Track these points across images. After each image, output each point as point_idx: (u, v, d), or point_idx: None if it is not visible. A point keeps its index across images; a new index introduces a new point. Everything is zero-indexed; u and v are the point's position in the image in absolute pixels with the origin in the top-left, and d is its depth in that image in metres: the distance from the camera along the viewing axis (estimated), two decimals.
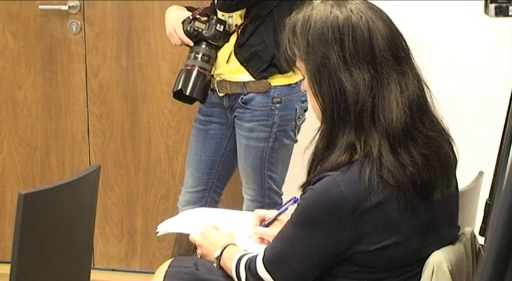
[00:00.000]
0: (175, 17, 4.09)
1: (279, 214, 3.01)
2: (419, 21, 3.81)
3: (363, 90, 2.58)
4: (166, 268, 3.00)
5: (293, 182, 3.76)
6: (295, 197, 2.85)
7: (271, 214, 3.08)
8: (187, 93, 4.00)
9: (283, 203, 3.10)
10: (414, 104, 2.63)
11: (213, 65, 4.04)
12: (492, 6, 1.77)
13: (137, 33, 4.86)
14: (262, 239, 2.96)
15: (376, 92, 2.60)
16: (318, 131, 2.74)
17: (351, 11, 2.65)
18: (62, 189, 3.42)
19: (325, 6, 2.67)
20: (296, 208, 2.71)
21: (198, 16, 4.04)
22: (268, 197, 4.04)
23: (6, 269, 3.22)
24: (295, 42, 2.68)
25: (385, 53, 2.62)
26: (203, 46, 4.01)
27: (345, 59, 2.61)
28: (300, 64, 2.70)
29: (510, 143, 2.68)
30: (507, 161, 2.71)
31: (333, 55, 2.61)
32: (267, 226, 3.02)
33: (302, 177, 2.81)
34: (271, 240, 2.81)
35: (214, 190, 4.22)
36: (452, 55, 4.11)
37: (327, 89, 2.63)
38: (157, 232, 3.20)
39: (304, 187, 2.71)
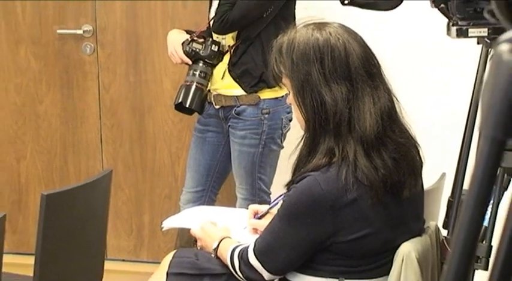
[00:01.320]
0: (176, 39, 4.09)
1: (270, 208, 3.01)
2: (389, 39, 3.80)
3: (340, 103, 2.59)
4: (171, 258, 3.00)
5: (280, 182, 3.76)
6: (284, 194, 2.85)
7: (263, 208, 3.08)
8: (187, 106, 4.00)
9: (274, 199, 3.10)
10: (385, 114, 2.64)
11: (209, 81, 4.03)
12: (454, 28, 1.76)
13: (143, 54, 4.85)
14: (255, 230, 2.95)
15: (352, 104, 2.60)
16: (302, 138, 2.74)
17: (330, 33, 2.65)
18: (79, 190, 3.42)
19: (307, 30, 2.68)
20: (282, 204, 2.73)
21: (195, 38, 4.04)
22: (259, 196, 4.03)
23: (30, 260, 3.21)
24: (282, 61, 2.68)
25: (359, 70, 2.63)
26: (200, 64, 4.01)
27: (324, 76, 2.61)
28: (285, 80, 2.70)
29: (469, 148, 2.68)
30: (466, 164, 2.71)
31: (314, 72, 2.62)
32: (260, 218, 3.01)
33: (287, 178, 2.82)
34: (257, 229, 2.84)
35: (211, 190, 4.22)
36: (419, 70, 4.12)
37: (309, 102, 2.63)
38: (162, 227, 3.21)
39: (289, 185, 2.73)
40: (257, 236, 2.82)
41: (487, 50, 2.31)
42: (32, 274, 3.21)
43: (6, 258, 3.02)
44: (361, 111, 2.61)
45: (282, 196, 2.86)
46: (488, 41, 1.91)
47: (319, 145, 2.65)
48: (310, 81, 2.63)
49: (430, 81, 4.11)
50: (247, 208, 3.22)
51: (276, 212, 2.82)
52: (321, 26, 2.70)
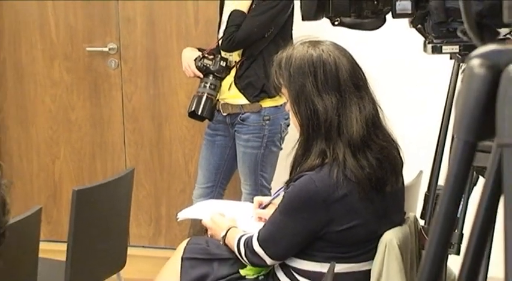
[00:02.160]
0: (189, 56, 4.09)
1: (272, 199, 3.03)
2: (372, 58, 3.80)
3: (330, 111, 2.60)
4: (185, 245, 3.01)
5: (279, 179, 3.77)
6: (283, 187, 2.86)
7: (266, 200, 3.12)
8: (199, 113, 4.00)
9: (275, 192, 3.11)
10: (370, 121, 2.65)
11: (218, 92, 4.03)
12: (429, 46, 1.76)
13: (161, 69, 4.85)
14: (260, 218, 2.98)
15: (341, 112, 2.61)
16: (298, 141, 2.75)
17: (322, 50, 2.66)
18: (105, 186, 3.42)
19: (303, 47, 2.69)
20: (282, 200, 2.75)
21: (206, 55, 4.04)
22: (261, 191, 4.03)
23: (63, 247, 3.21)
24: (281, 74, 2.70)
25: (348, 82, 2.63)
26: (210, 78, 4.01)
27: (317, 87, 2.62)
28: (284, 90, 2.72)
29: (443, 149, 2.68)
30: (441, 163, 2.72)
31: (309, 84, 2.63)
32: (264, 208, 3.04)
33: (285, 175, 2.84)
34: (267, 218, 2.83)
35: (220, 186, 4.22)
36: (399, 88, 4.12)
37: (304, 110, 2.64)
38: (177, 218, 3.20)
39: (288, 183, 2.75)
40: (262, 223, 2.84)
41: (459, 65, 2.32)
42: (64, 259, 3.22)
43: (42, 245, 3.02)
44: (349, 118, 2.62)
45: (282, 189, 2.87)
46: (460, 56, 1.90)
47: (312, 147, 2.67)
48: (305, 91, 2.64)
49: (413, 95, 4.12)
50: (252, 202, 3.24)
51: (276, 202, 2.84)
52: (315, 43, 2.71)
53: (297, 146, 2.75)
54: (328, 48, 2.69)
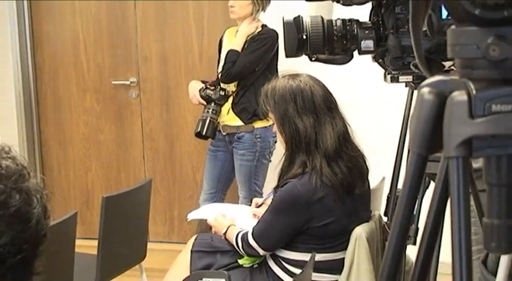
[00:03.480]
0: (195, 87, 4.09)
1: (264, 200, 3.07)
2: (344, 85, 3.81)
3: (309, 129, 2.62)
4: (193, 240, 3.00)
5: (269, 185, 3.76)
6: (272, 191, 2.88)
7: (260, 200, 3.16)
8: (203, 134, 3.99)
9: (266, 195, 3.14)
10: (341, 136, 2.66)
11: (218, 116, 4.02)
12: (388, 76, 1.76)
13: (172, 98, 4.85)
14: (254, 215, 2.99)
15: (317, 130, 2.63)
16: (283, 155, 2.75)
17: (300, 81, 2.68)
18: (129, 193, 3.41)
19: (284, 79, 2.71)
20: (271, 202, 2.75)
21: (208, 86, 4.04)
22: (254, 196, 4.01)
23: (95, 243, 3.19)
24: (267, 102, 2.71)
25: (322, 106, 2.65)
26: (212, 104, 4.00)
27: (297, 111, 2.64)
28: (271, 114, 2.73)
29: (401, 160, 2.68)
30: (399, 171, 2.72)
31: (290, 108, 2.64)
32: (258, 207, 3.08)
33: (274, 182, 2.86)
34: (260, 215, 2.84)
35: (221, 192, 4.20)
36: (366, 105, 4.12)
37: (288, 129, 2.66)
38: (187, 219, 3.20)
39: (276, 188, 2.77)
40: (256, 220, 2.84)
41: (412, 91, 2.32)
42: (96, 253, 3.20)
43: (77, 242, 3.00)
44: (324, 134, 2.63)
45: (271, 193, 2.88)
46: (413, 84, 1.90)
47: (295, 159, 2.68)
48: (288, 114, 2.65)
49: (373, 118, 4.12)
50: (247, 204, 3.26)
51: (268, 203, 2.86)
52: (294, 76, 2.73)
53: (283, 159, 2.76)
54: (305, 79, 2.70)
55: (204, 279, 2.51)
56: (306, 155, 2.64)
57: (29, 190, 1.23)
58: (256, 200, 3.19)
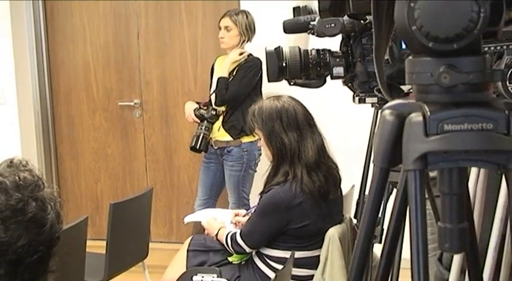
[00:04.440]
0: (190, 107, 4.09)
1: (247, 213, 3.01)
2: (316, 105, 3.82)
3: (294, 143, 2.62)
4: (189, 240, 2.99)
5: (254, 192, 3.75)
6: (255, 206, 2.85)
7: (241, 212, 3.11)
8: (198, 148, 3.98)
9: (250, 208, 3.10)
10: (320, 148, 2.66)
11: (210, 132, 4.01)
12: (357, 98, 1.76)
13: (170, 117, 4.84)
14: (235, 225, 2.95)
15: (300, 144, 2.62)
16: (269, 166, 2.75)
17: (284, 101, 2.68)
18: (133, 200, 3.40)
19: (269, 100, 2.71)
20: (257, 205, 2.75)
21: (202, 106, 4.04)
22: (242, 202, 4.02)
23: (103, 243, 3.18)
24: (255, 120, 2.70)
25: (303, 122, 2.65)
26: (205, 122, 4.00)
27: (283, 127, 2.64)
28: (258, 131, 2.72)
29: (368, 171, 2.68)
30: (367, 180, 2.72)
31: (276, 126, 2.64)
32: (244, 216, 3.00)
33: (259, 189, 2.83)
34: (243, 223, 2.83)
35: (213, 198, 4.18)
36: (336, 123, 4.13)
37: (274, 144, 2.65)
38: (184, 221, 3.19)
39: (261, 194, 2.75)
40: (237, 228, 2.83)
41: (377, 112, 2.32)
42: (104, 252, 3.18)
43: (88, 242, 2.98)
44: (306, 148, 2.63)
45: (254, 208, 2.87)
46: (378, 105, 1.91)
47: (279, 169, 2.67)
48: (275, 131, 2.65)
49: (344, 134, 4.13)
50: (236, 209, 3.23)
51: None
52: (278, 97, 2.72)
53: (269, 169, 2.75)
54: (288, 99, 2.70)
55: (198, 274, 2.49)
56: (289, 165, 2.64)
57: (43, 198, 1.23)
58: (237, 212, 3.13)
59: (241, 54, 3.98)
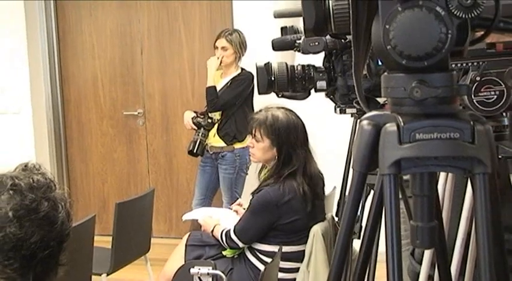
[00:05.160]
0: (188, 116, 4.07)
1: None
2: (301, 116, 3.82)
3: (302, 160, 2.62)
4: (187, 236, 2.98)
5: (246, 192, 3.74)
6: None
7: (242, 202, 3.12)
8: (195, 152, 3.98)
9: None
10: (306, 154, 2.65)
11: (206, 138, 4.00)
12: (338, 109, 1.77)
13: (170, 125, 4.83)
14: (236, 212, 2.97)
15: (307, 160, 2.64)
16: (267, 171, 2.72)
17: (296, 116, 2.68)
18: (136, 200, 3.38)
19: (281, 112, 2.67)
20: (249, 204, 2.73)
21: (199, 115, 4.03)
22: (234, 201, 4.01)
23: (109, 239, 3.17)
24: (266, 128, 2.64)
25: (306, 138, 2.66)
26: (202, 129, 3.99)
27: (295, 142, 2.65)
28: (265, 138, 2.67)
29: (348, 175, 2.69)
30: (347, 183, 2.72)
31: (292, 138, 2.66)
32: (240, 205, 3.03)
33: (250, 190, 2.81)
34: (241, 213, 2.84)
35: (209, 198, 4.17)
36: (320, 132, 4.13)
37: (283, 154, 2.63)
38: (182, 219, 3.17)
39: (253, 194, 2.73)
40: (236, 219, 2.81)
41: (356, 121, 2.33)
42: (110, 247, 3.17)
43: (96, 238, 2.97)
44: (310, 164, 2.64)
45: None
46: (357, 116, 1.91)
47: (277, 174, 2.64)
48: (289, 143, 2.62)
49: (327, 142, 4.13)
50: (229, 208, 3.22)
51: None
52: (289, 110, 2.68)
53: (267, 173, 2.72)
54: (296, 114, 2.67)
55: (195, 267, 2.48)
56: (291, 175, 2.61)
57: (55, 199, 1.22)
58: (239, 202, 3.14)
59: (218, 58, 3.95)
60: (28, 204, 1.18)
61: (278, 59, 1.86)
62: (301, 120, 2.66)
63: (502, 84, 1.02)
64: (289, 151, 2.61)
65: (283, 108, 2.68)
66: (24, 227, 1.16)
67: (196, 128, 4.01)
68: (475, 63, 1.20)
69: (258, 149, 2.70)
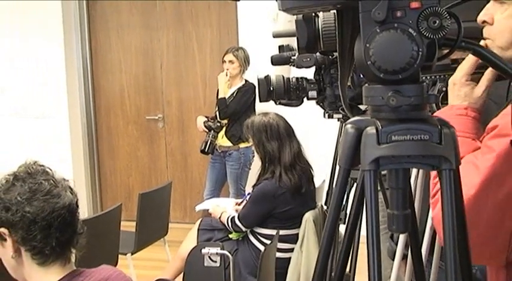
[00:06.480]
0: (200, 120, 4.08)
1: (243, 200, 2.99)
2: (296, 120, 3.81)
3: (275, 150, 2.61)
4: (199, 221, 2.98)
5: (249, 184, 3.73)
6: (248, 193, 2.85)
7: (239, 200, 3.09)
8: (206, 151, 3.98)
9: (245, 196, 3.09)
10: (296, 154, 2.65)
11: (216, 139, 4.01)
12: (326, 114, 1.76)
13: (185, 128, 4.84)
14: (236, 211, 2.93)
15: (280, 150, 2.62)
16: (260, 167, 2.74)
17: (270, 117, 2.68)
18: (157, 191, 3.40)
19: (259, 116, 2.72)
20: (250, 195, 2.73)
21: (210, 120, 4.04)
22: (240, 193, 4.01)
23: (133, 224, 3.17)
24: (248, 132, 2.71)
25: (284, 134, 2.64)
26: (212, 132, 3.99)
27: (267, 138, 2.64)
28: (250, 140, 2.71)
29: (335, 170, 2.68)
30: (334, 176, 2.71)
31: (263, 137, 2.63)
32: (239, 204, 2.99)
33: (253, 183, 2.80)
34: (239, 210, 2.81)
35: (218, 190, 4.16)
36: (310, 134, 4.11)
37: (262, 150, 2.68)
38: (195, 209, 3.18)
39: (254, 186, 2.75)
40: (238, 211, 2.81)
41: (342, 125, 2.32)
42: (134, 230, 3.17)
43: (122, 223, 2.98)
44: (284, 154, 2.62)
45: (248, 194, 2.86)
46: (343, 120, 1.91)
47: (266, 169, 2.66)
48: (261, 141, 2.64)
49: (318, 142, 4.11)
50: (235, 198, 3.22)
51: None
52: (266, 114, 2.72)
53: (260, 169, 2.75)
54: (273, 116, 2.70)
55: (206, 248, 2.49)
56: (273, 166, 2.64)
57: (54, 178, 1.29)
58: (237, 202, 3.13)
59: (227, 75, 3.96)
60: (31, 187, 1.26)
61: (276, 72, 1.86)
62: (278, 120, 2.67)
63: None
64: (263, 147, 2.63)
65: (273, 113, 2.71)
66: (33, 206, 1.24)
67: (207, 130, 4.01)
68: (442, 76, 1.20)
69: (255, 151, 2.73)
